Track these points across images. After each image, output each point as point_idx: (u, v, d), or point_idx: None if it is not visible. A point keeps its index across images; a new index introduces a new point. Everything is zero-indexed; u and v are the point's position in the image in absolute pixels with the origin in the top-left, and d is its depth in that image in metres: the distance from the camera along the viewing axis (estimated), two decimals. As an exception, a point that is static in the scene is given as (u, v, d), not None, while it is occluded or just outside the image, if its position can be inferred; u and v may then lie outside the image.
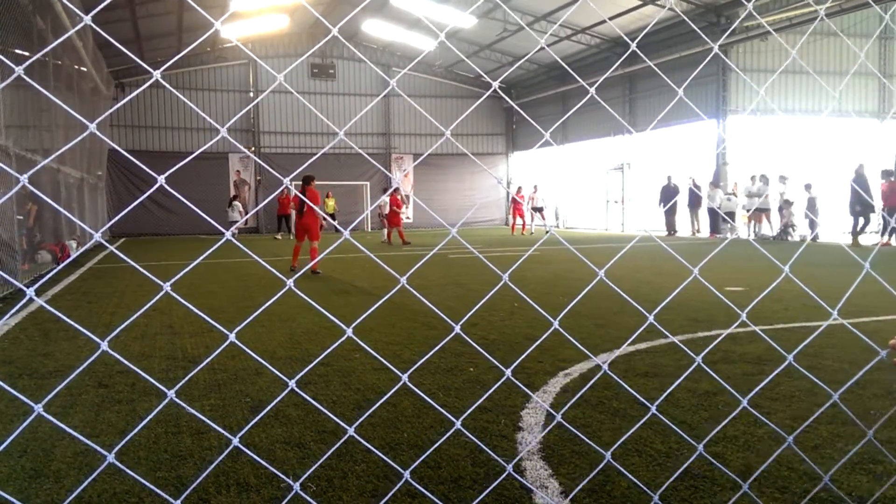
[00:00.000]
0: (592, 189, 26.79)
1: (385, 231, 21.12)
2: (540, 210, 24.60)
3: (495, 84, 1.72)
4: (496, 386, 2.80)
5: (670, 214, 21.50)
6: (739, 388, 4.17)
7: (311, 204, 2.32)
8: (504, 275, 1.70)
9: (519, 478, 2.85)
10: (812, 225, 18.42)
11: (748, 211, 19.69)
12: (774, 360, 4.69)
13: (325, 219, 13.10)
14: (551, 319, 1.83)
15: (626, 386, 2.42)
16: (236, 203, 25.08)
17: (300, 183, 11.34)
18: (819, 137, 20.69)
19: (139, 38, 22.67)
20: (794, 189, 18.57)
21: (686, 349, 2.24)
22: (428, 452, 2.68)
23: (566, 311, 2.16)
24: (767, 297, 7.71)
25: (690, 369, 2.71)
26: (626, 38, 1.88)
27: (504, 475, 2.71)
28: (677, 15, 19.94)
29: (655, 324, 1.96)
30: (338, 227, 1.70)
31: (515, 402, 3.88)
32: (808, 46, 20.44)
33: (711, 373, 2.37)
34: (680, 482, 2.81)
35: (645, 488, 2.64)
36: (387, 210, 20.91)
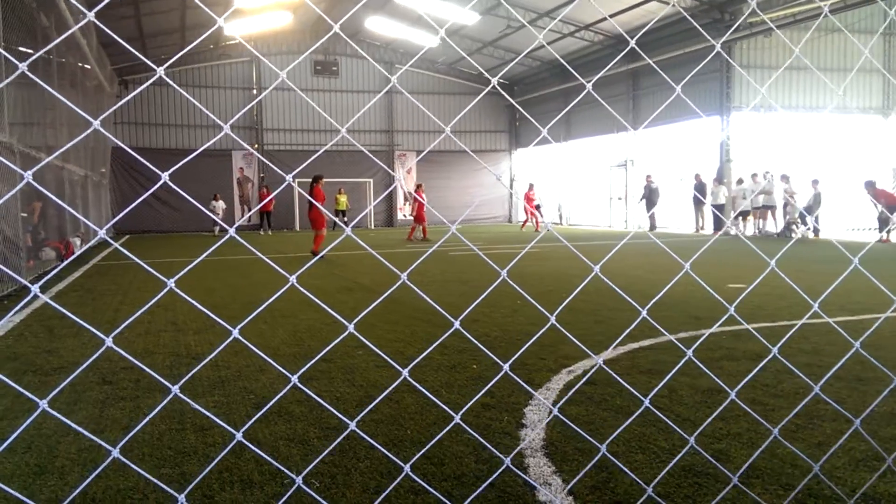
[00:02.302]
0: (595, 186, 26.76)
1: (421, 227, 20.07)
2: (538, 207, 25.17)
3: (494, 81, 1.72)
4: (494, 381, 2.81)
5: (651, 211, 22.78)
6: (743, 384, 4.16)
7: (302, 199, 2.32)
8: (503, 271, 1.71)
9: (522, 474, 2.86)
10: (804, 220, 18.48)
11: (747, 208, 19.69)
12: (774, 357, 4.68)
13: (327, 214, 13.84)
14: (548, 315, 1.83)
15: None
16: (218, 202, 24.85)
17: (311, 181, 13.29)
18: (822, 134, 20.65)
19: (142, 35, 22.69)
20: (799, 186, 18.55)
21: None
22: (428, 446, 2.69)
23: (562, 306, 2.16)
24: (770, 294, 7.70)
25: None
26: (627, 36, 1.88)
27: (502, 468, 2.71)
28: (680, 11, 19.88)
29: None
30: (338, 222, 1.70)
31: (518, 399, 3.89)
32: (811, 43, 20.37)
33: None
34: (683, 479, 2.81)
35: (641, 482, 2.64)
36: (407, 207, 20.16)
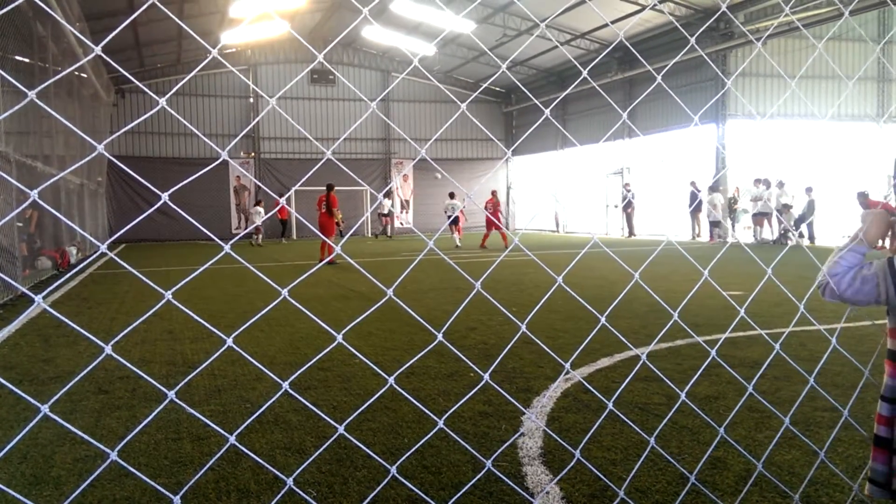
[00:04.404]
0: (592, 193, 26.80)
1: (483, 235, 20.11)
2: (388, 216, 26.47)
3: (463, 106, 1.73)
4: (476, 389, 2.80)
5: (629, 218, 23.70)
6: (739, 391, 4.17)
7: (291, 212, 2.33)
8: (477, 282, 1.71)
9: (503, 476, 2.85)
10: (800, 226, 18.58)
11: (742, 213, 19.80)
12: (772, 364, 4.69)
13: (339, 222, 15.10)
14: (519, 323, 1.83)
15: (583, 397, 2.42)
16: (259, 208, 24.09)
17: (325, 188, 14.68)
18: (817, 141, 20.73)
19: (139, 43, 22.72)
20: (795, 193, 18.62)
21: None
22: (414, 449, 2.69)
23: (530, 316, 2.16)
24: (767, 301, 7.71)
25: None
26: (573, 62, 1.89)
27: (484, 470, 2.70)
28: (677, 19, 19.99)
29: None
30: (329, 241, 1.71)
31: (516, 407, 3.88)
32: (805, 51, 20.47)
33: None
34: (681, 488, 2.81)
35: (610, 483, 2.64)
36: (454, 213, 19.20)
